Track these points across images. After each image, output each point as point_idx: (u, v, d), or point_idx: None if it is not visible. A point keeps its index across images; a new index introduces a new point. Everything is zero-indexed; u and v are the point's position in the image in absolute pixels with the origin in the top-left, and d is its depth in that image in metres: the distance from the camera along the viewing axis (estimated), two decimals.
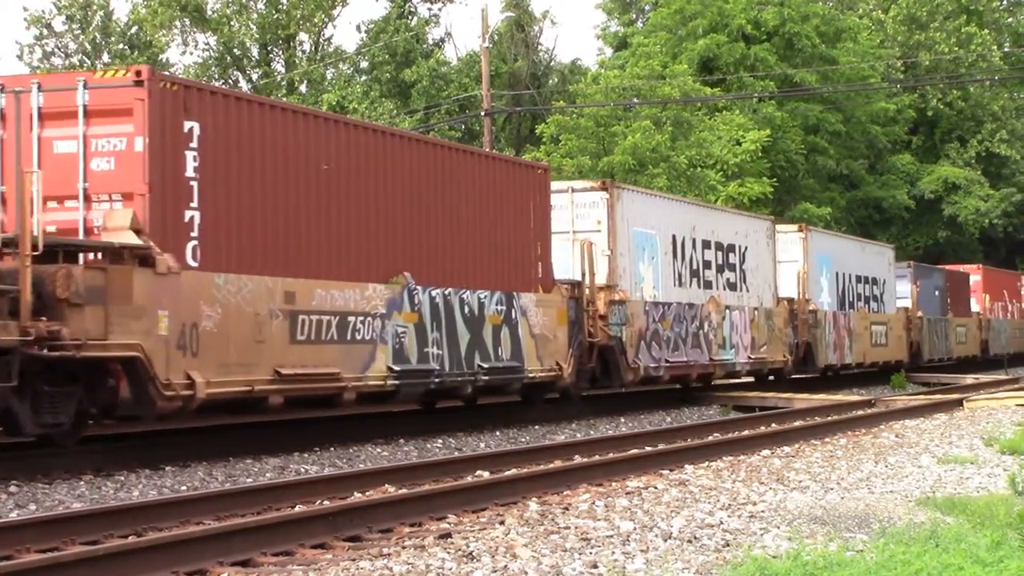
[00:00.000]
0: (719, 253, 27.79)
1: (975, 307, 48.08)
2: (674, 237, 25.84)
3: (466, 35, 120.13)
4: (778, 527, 9.58)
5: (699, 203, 30.21)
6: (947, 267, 48.53)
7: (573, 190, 23.76)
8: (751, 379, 30.33)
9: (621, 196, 23.97)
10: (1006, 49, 61.02)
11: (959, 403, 24.57)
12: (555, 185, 23.51)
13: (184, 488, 13.01)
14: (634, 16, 62.48)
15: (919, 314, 40.29)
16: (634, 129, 41.14)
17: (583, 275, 22.22)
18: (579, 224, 23.46)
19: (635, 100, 44.74)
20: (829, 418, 21.33)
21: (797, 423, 20.47)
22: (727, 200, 42.66)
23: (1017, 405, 23.91)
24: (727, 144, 44.68)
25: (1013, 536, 8.34)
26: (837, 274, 34.50)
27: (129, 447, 15.26)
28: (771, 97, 48.92)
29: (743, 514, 10.29)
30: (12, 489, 12.39)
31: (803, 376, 32.64)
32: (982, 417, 21.43)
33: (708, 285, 27.11)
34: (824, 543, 8.54)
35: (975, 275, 49.50)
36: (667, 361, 24.71)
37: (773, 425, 20.24)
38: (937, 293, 43.53)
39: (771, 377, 30.76)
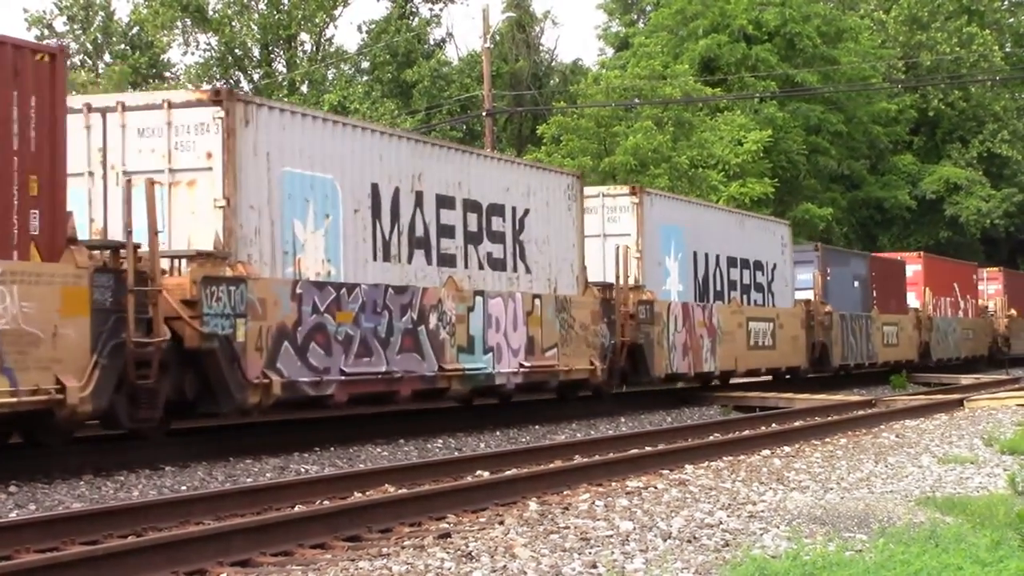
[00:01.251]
0: (473, 216, 20.03)
1: (915, 302, 40.81)
2: (376, 188, 17.96)
3: (467, 35, 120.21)
4: (778, 527, 9.58)
5: (432, 141, 21.01)
6: (876, 254, 42.42)
7: (171, 104, 15.85)
8: (553, 396, 23.50)
9: (255, 117, 16.00)
10: (1007, 49, 61.01)
11: (959, 403, 24.56)
12: (143, 98, 16.76)
13: (184, 488, 13.01)
14: (635, 16, 62.49)
15: (827, 309, 32.84)
16: (635, 129, 41.14)
17: (128, 234, 14.11)
18: (180, 159, 15.78)
19: (636, 100, 44.74)
20: (829, 418, 21.32)
21: (797, 423, 20.47)
22: (729, 200, 42.61)
23: (1017, 405, 23.91)
24: (728, 144, 44.68)
25: (1013, 536, 8.33)
26: (696, 255, 26.81)
27: (129, 447, 15.25)
28: (772, 97, 48.92)
29: (743, 514, 10.29)
30: (12, 489, 12.40)
31: (634, 390, 25.60)
32: (982, 417, 21.42)
33: (447, 261, 19.31)
34: (823, 543, 8.54)
35: (914, 264, 41.81)
36: (343, 372, 16.92)
37: (773, 425, 20.24)
38: (857, 284, 36.04)
39: (590, 394, 23.68)
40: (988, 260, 58.83)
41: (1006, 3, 63.43)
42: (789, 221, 34.87)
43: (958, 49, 56.75)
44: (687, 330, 25.75)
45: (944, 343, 42.55)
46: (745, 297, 29.24)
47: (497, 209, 20.75)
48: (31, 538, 9.24)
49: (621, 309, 23.32)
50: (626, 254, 23.59)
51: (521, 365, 20.73)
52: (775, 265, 31.00)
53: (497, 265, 20.65)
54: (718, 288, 27.94)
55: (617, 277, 23.47)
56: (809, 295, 32.49)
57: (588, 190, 24.64)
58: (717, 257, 27.91)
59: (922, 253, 44.09)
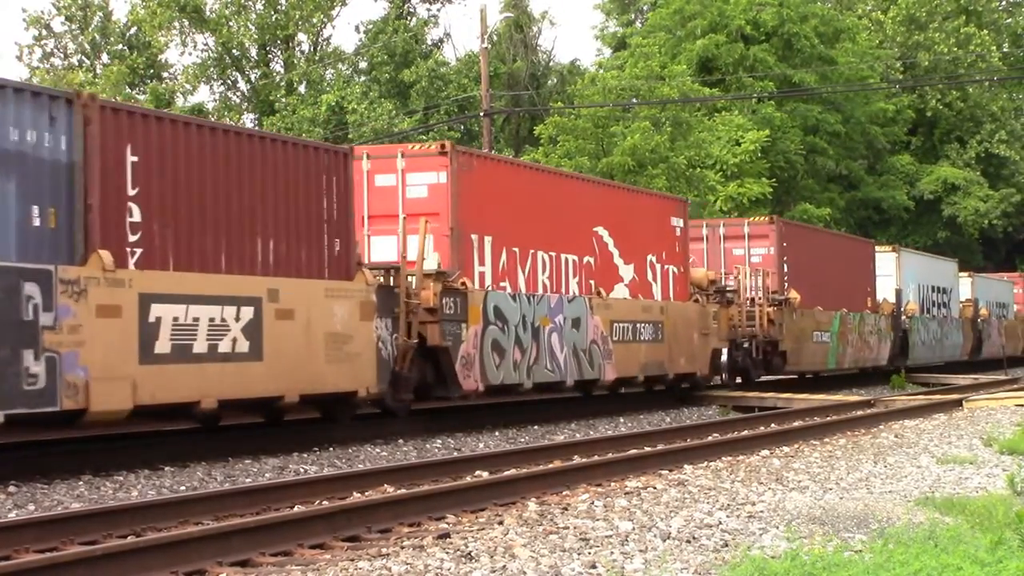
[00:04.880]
0: None
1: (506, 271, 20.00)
2: None
3: (465, 36, 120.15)
4: (777, 527, 9.58)
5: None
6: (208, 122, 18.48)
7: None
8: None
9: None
10: (1005, 49, 61.06)
11: (958, 403, 24.55)
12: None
13: (183, 488, 13.00)
14: (633, 17, 62.55)
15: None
16: (633, 130, 41.12)
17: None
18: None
19: (634, 101, 44.74)
20: (828, 418, 21.31)
21: (796, 423, 20.46)
22: (727, 200, 42.62)
23: (1016, 405, 23.91)
24: (726, 144, 44.68)
25: (1012, 536, 8.32)
26: None
27: (129, 447, 15.25)
28: (770, 97, 48.94)
29: (742, 514, 10.29)
30: (11, 489, 12.40)
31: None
32: (981, 417, 21.42)
33: None
34: (822, 543, 8.54)
35: (429, 171, 19.39)
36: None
37: (772, 425, 20.23)
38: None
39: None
40: (986, 260, 58.82)
41: (1004, 3, 63.49)
42: None
43: (956, 49, 56.80)
44: None
45: (508, 352, 20.03)
46: None
47: None
48: (30, 538, 9.24)
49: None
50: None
51: None
52: None
53: None
54: None
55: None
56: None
57: None
58: None
59: (448, 143, 19.78)
